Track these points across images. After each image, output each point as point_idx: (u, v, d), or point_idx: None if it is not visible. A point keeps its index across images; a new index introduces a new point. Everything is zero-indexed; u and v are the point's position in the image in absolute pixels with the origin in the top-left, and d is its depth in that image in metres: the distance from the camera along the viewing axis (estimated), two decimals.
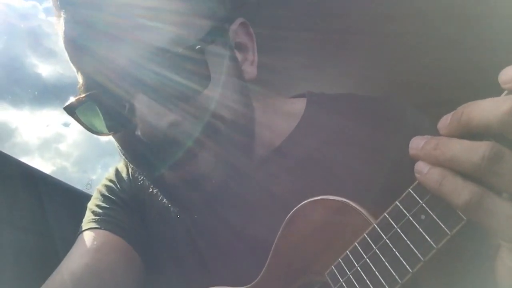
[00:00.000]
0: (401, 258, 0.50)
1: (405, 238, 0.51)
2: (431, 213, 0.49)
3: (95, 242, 0.81)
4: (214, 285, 0.75)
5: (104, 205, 0.87)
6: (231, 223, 0.77)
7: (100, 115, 0.68)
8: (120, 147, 0.73)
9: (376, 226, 0.54)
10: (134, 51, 0.62)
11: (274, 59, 0.86)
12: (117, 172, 0.92)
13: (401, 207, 0.52)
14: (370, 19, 1.10)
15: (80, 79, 0.68)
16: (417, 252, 0.49)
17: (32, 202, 1.19)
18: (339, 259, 0.57)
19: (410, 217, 0.51)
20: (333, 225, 0.60)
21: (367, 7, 1.09)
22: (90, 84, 0.66)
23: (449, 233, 0.48)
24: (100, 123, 0.69)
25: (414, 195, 0.51)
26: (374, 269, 0.53)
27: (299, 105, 0.83)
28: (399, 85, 1.10)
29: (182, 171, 0.68)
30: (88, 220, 0.85)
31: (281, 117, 0.82)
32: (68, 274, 0.77)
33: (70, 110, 0.69)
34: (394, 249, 0.51)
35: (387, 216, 0.53)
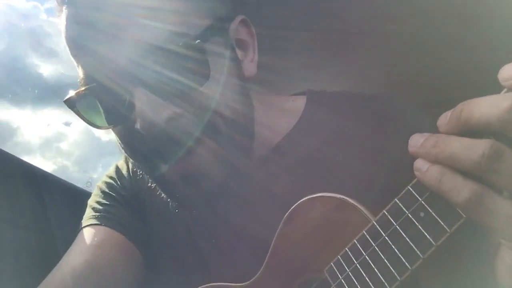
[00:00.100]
0: (400, 255, 0.50)
1: (404, 235, 0.50)
2: (430, 211, 0.49)
3: (95, 239, 0.81)
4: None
5: (104, 201, 0.87)
6: (231, 222, 0.77)
7: (100, 108, 0.69)
8: (119, 141, 0.73)
9: (375, 223, 0.54)
10: (133, 48, 0.63)
11: (274, 58, 0.86)
12: (118, 169, 0.92)
13: (400, 204, 0.52)
14: (370, 19, 1.10)
15: (80, 72, 0.69)
16: (416, 249, 0.49)
17: (33, 201, 1.19)
18: (338, 256, 0.57)
19: (409, 215, 0.51)
20: (332, 223, 0.60)
21: (367, 7, 1.09)
22: (90, 78, 0.67)
23: (449, 230, 0.48)
24: (99, 117, 0.70)
25: (413, 192, 0.51)
26: (373, 266, 0.53)
27: (299, 103, 0.83)
28: (399, 85, 1.10)
29: (181, 168, 0.69)
30: (88, 216, 0.85)
31: (280, 115, 0.82)
32: (69, 270, 0.78)
33: (71, 103, 0.69)
34: (393, 246, 0.51)
35: (386, 213, 0.53)
